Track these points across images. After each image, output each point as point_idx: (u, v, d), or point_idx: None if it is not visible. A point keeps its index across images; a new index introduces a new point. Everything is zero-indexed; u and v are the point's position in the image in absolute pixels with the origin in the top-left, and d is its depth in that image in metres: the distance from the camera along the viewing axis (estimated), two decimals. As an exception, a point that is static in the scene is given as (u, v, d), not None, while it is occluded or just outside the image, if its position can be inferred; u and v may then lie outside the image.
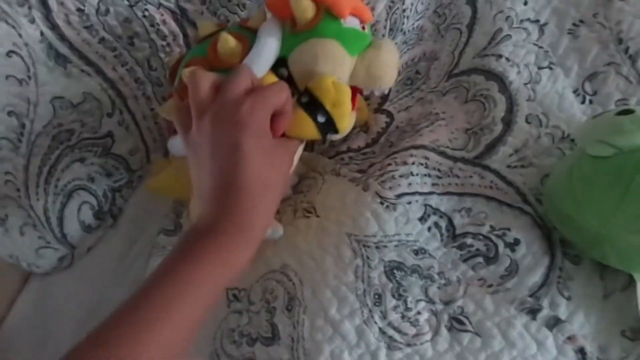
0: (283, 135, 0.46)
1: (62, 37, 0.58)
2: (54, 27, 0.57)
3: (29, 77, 0.56)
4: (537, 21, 0.58)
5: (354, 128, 0.63)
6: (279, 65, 0.49)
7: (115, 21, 0.60)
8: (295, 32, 0.49)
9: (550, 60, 0.56)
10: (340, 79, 0.48)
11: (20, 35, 0.55)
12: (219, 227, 0.40)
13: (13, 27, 0.54)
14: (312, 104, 0.47)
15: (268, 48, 0.48)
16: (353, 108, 0.51)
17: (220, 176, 0.41)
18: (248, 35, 0.50)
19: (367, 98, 0.64)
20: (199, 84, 0.42)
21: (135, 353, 0.33)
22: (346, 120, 0.49)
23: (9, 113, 0.56)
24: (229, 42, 0.49)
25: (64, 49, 0.58)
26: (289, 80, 0.49)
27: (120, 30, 0.61)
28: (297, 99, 0.48)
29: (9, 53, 0.54)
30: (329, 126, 0.48)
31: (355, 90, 0.51)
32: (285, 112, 0.44)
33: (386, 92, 0.62)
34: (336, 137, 0.52)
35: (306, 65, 0.48)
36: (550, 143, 0.53)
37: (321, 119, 0.47)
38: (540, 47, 0.57)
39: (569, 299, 0.46)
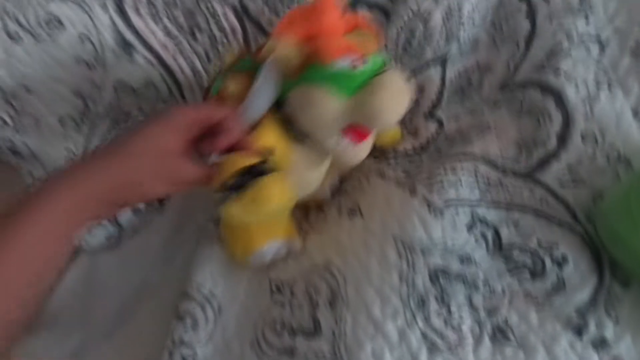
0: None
1: (129, 25, 0.60)
2: (123, 14, 0.59)
3: (97, 61, 0.58)
4: (598, 39, 0.58)
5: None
6: (280, 105, 0.49)
7: (180, 12, 0.62)
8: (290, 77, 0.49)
9: (609, 79, 0.56)
10: (329, 124, 0.47)
11: (92, 21, 0.57)
12: (63, 179, 0.39)
13: (87, 12, 0.56)
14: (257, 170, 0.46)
15: (261, 96, 0.49)
16: (362, 139, 0.50)
17: (111, 140, 0.44)
18: (257, 71, 0.50)
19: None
20: None
21: None
22: (234, 211, 0.47)
23: (76, 93, 0.58)
24: (229, 87, 0.50)
25: (130, 37, 0.60)
26: (289, 121, 0.49)
27: (183, 21, 0.63)
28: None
29: (81, 37, 0.57)
30: (235, 187, 0.46)
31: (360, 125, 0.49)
32: (224, 131, 0.45)
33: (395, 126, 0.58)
34: (311, 186, 0.54)
35: (297, 112, 0.48)
36: (605, 163, 0.53)
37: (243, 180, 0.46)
38: (600, 65, 0.57)
39: (616, 321, 0.46)
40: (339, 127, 0.47)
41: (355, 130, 0.48)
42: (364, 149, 0.52)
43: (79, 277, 0.65)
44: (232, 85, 0.51)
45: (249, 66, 0.52)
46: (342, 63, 0.46)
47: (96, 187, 0.39)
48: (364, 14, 0.51)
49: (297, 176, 0.52)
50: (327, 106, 0.46)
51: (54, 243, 0.38)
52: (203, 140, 0.45)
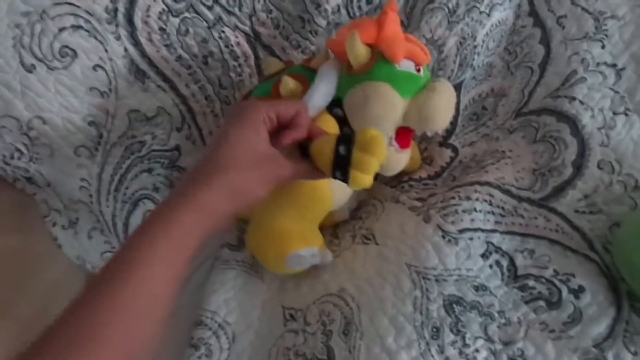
0: (304, 153, 0.46)
1: (143, 54, 0.60)
2: (137, 44, 0.60)
3: (110, 90, 0.59)
4: (614, 65, 0.58)
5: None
6: (335, 105, 0.51)
7: (193, 41, 0.63)
8: (351, 75, 0.51)
9: (626, 106, 0.56)
10: (388, 119, 0.50)
11: (106, 51, 0.58)
12: (173, 198, 0.39)
13: (101, 42, 0.57)
14: (347, 137, 0.44)
15: (323, 89, 0.51)
16: (406, 147, 0.53)
17: (204, 154, 0.43)
18: (308, 76, 0.53)
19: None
20: None
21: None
22: (363, 178, 0.43)
23: (90, 123, 0.58)
24: (289, 84, 0.52)
25: (143, 65, 0.61)
26: (344, 120, 0.51)
27: (196, 50, 0.63)
28: (340, 128, 0.50)
29: (95, 67, 0.57)
30: (343, 165, 0.43)
31: (408, 131, 0.53)
32: (297, 125, 0.45)
33: (439, 132, 0.59)
34: (342, 199, 0.55)
35: (358, 107, 0.50)
36: (622, 191, 0.52)
37: (342, 150, 0.43)
38: (617, 92, 0.56)
39: (635, 354, 0.45)
40: (395, 126, 0.51)
41: (405, 134, 0.52)
42: (406, 158, 0.55)
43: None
44: (292, 83, 0.53)
45: (300, 71, 0.55)
46: (408, 65, 0.51)
47: (209, 199, 0.39)
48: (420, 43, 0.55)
49: (341, 183, 0.52)
50: (390, 103, 0.50)
51: (180, 266, 0.38)
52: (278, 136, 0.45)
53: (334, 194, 0.54)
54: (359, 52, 0.50)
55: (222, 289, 0.58)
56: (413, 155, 0.62)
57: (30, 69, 0.54)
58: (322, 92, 0.51)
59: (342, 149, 0.43)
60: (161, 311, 0.36)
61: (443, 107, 0.50)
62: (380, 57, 0.50)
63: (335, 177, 0.43)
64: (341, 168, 0.43)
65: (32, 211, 0.63)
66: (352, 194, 0.59)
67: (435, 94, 0.49)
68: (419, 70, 0.52)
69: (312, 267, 0.56)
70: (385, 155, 0.43)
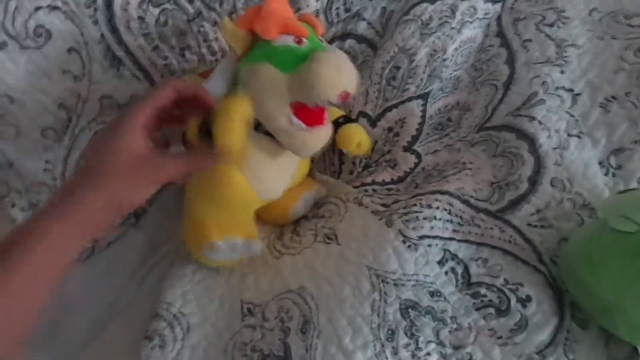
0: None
1: (120, 41, 0.60)
2: (114, 30, 0.59)
3: (84, 75, 0.58)
4: (571, 90, 0.61)
5: (379, 162, 0.66)
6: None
7: (171, 33, 0.63)
8: (240, 62, 0.53)
9: (580, 130, 0.59)
10: (275, 98, 0.50)
11: (82, 35, 0.57)
12: (49, 208, 0.40)
13: (77, 26, 0.56)
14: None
15: (217, 77, 0.53)
16: (314, 123, 0.52)
17: (79, 167, 0.44)
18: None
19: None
20: None
21: None
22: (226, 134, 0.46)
23: (60, 106, 0.58)
24: (226, 25, 0.52)
25: (120, 52, 0.60)
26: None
27: (174, 42, 0.63)
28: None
29: (70, 50, 0.57)
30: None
31: (306, 107, 0.51)
32: (198, 96, 0.47)
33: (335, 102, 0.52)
34: (271, 188, 0.57)
35: (246, 90, 0.50)
36: (571, 208, 0.55)
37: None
38: (572, 116, 0.60)
39: (574, 361, 0.48)
40: (284, 103, 0.50)
41: (303, 108, 0.50)
42: (318, 136, 0.53)
43: (48, 288, 0.64)
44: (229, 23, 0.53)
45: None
46: (284, 40, 0.50)
47: (84, 215, 0.40)
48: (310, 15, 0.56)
49: (254, 167, 0.53)
50: (270, 80, 0.49)
51: (51, 273, 0.39)
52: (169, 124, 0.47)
53: (257, 180, 0.55)
54: (232, 36, 0.50)
55: (180, 283, 0.58)
56: (360, 140, 0.62)
57: (1, 46, 0.53)
58: (216, 79, 0.53)
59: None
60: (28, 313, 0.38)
61: (327, 74, 0.48)
62: (257, 38, 0.51)
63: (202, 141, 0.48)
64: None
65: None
66: (290, 182, 0.60)
67: (315, 62, 0.48)
68: (300, 42, 0.50)
69: (247, 258, 0.58)
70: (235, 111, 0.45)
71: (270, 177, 0.57)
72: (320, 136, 0.54)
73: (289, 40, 0.50)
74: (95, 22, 0.58)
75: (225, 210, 0.56)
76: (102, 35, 0.59)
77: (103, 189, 0.41)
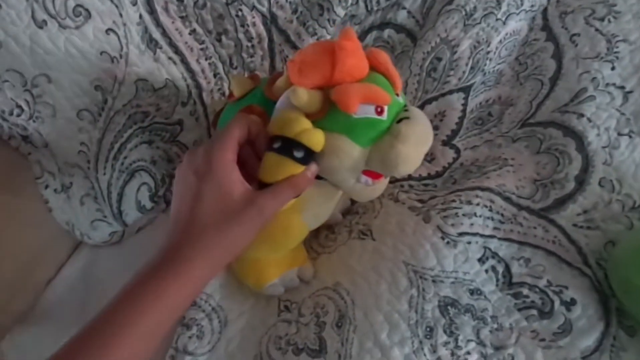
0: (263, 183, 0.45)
1: (158, 23, 0.59)
2: (152, 11, 0.58)
3: (120, 56, 0.57)
4: (622, 87, 0.59)
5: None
6: (296, 145, 0.45)
7: (209, 16, 0.62)
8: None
9: (631, 129, 0.57)
10: (350, 170, 0.46)
11: (120, 15, 0.56)
12: (159, 271, 0.40)
13: (116, 6, 0.55)
14: (285, 144, 0.44)
15: None
16: (379, 178, 0.48)
17: (178, 216, 0.42)
18: (268, 108, 0.49)
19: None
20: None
21: None
22: (315, 136, 0.44)
23: (96, 87, 0.57)
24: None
25: (157, 34, 0.59)
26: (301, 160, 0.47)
27: (211, 25, 0.62)
28: (269, 147, 0.45)
29: (108, 30, 0.56)
30: (307, 155, 0.44)
31: None
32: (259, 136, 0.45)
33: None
34: (321, 218, 0.54)
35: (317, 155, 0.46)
36: (620, 210, 0.54)
37: (298, 154, 0.44)
38: (623, 114, 0.58)
39: (620, 369, 0.46)
40: (357, 172, 0.46)
41: (373, 173, 0.47)
42: (380, 187, 0.51)
43: (78, 271, 0.64)
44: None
45: (259, 101, 0.51)
46: (363, 112, 0.44)
47: (201, 271, 0.41)
48: (380, 52, 0.48)
49: (312, 209, 0.52)
50: (348, 155, 0.45)
51: (162, 331, 0.40)
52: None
53: (312, 217, 0.53)
54: (306, 105, 0.44)
55: (220, 275, 0.57)
56: None
57: (41, 25, 0.52)
58: None
59: (297, 154, 0.43)
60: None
61: (408, 153, 0.44)
62: (333, 103, 0.45)
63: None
64: (310, 158, 0.44)
65: (24, 172, 0.61)
66: (342, 200, 0.58)
67: (399, 141, 0.43)
68: (381, 112, 0.45)
69: None
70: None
71: (326, 212, 0.56)
72: (382, 186, 0.51)
73: (370, 112, 0.44)
74: (134, 3, 0.57)
75: (282, 251, 0.55)
76: (140, 16, 0.58)
77: (217, 244, 0.41)
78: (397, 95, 0.47)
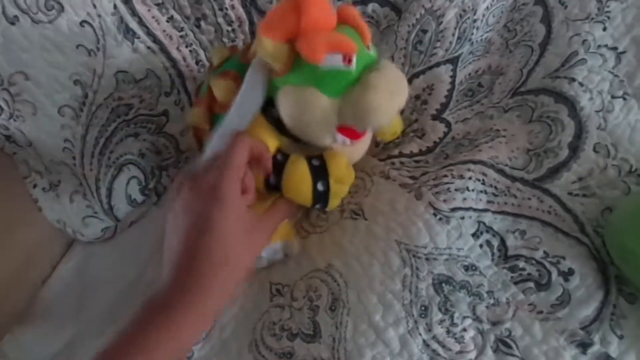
0: (278, 189, 0.47)
1: (134, 12, 0.58)
2: (127, 1, 0.57)
3: (98, 49, 0.56)
4: (615, 48, 0.57)
5: (406, 132, 0.63)
6: (271, 105, 0.48)
7: (186, 2, 0.60)
8: (275, 77, 0.47)
9: (625, 91, 0.55)
10: (322, 124, 0.46)
11: (94, 6, 0.55)
12: (172, 302, 0.40)
13: (89, -3, 0.54)
14: (320, 169, 0.46)
15: (249, 99, 0.48)
16: (358, 137, 0.49)
17: (186, 246, 0.42)
18: (243, 72, 0.49)
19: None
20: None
21: None
22: (338, 202, 0.49)
23: (75, 82, 0.56)
24: (219, 89, 0.50)
25: (133, 24, 0.58)
26: (280, 122, 0.48)
27: (189, 11, 0.61)
28: (307, 159, 0.47)
29: (82, 23, 0.55)
30: (323, 198, 0.48)
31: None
32: (263, 157, 0.47)
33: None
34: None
35: (287, 113, 0.46)
36: (617, 175, 0.52)
37: (320, 187, 0.46)
38: (616, 76, 0.56)
39: (621, 337, 0.45)
40: (331, 126, 0.46)
41: (349, 129, 0.46)
42: (362, 145, 0.51)
43: (73, 268, 0.64)
44: (217, 91, 0.50)
45: (235, 66, 0.51)
46: (330, 62, 0.44)
47: (213, 300, 0.42)
48: (348, 6, 0.48)
49: None
50: (317, 107, 0.45)
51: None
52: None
53: None
54: (274, 57, 0.44)
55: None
56: (396, 128, 0.59)
57: (13, 21, 0.51)
58: (247, 103, 0.48)
59: (320, 186, 0.45)
60: None
61: (380, 102, 0.43)
62: (300, 55, 0.44)
63: (314, 207, 0.49)
64: (321, 201, 0.48)
65: (12, 170, 0.61)
66: None
67: (368, 90, 0.43)
68: (349, 62, 0.44)
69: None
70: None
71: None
72: (363, 146, 0.51)
73: (337, 61, 0.44)
74: (108, -7, 0.56)
75: None
76: (115, 6, 0.56)
77: (229, 273, 0.42)
78: (368, 48, 0.47)
